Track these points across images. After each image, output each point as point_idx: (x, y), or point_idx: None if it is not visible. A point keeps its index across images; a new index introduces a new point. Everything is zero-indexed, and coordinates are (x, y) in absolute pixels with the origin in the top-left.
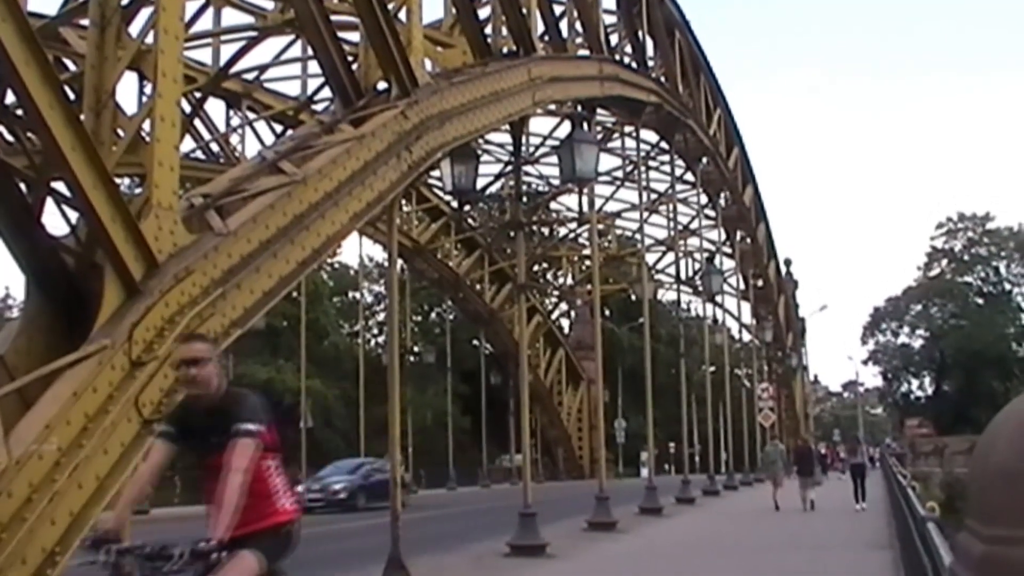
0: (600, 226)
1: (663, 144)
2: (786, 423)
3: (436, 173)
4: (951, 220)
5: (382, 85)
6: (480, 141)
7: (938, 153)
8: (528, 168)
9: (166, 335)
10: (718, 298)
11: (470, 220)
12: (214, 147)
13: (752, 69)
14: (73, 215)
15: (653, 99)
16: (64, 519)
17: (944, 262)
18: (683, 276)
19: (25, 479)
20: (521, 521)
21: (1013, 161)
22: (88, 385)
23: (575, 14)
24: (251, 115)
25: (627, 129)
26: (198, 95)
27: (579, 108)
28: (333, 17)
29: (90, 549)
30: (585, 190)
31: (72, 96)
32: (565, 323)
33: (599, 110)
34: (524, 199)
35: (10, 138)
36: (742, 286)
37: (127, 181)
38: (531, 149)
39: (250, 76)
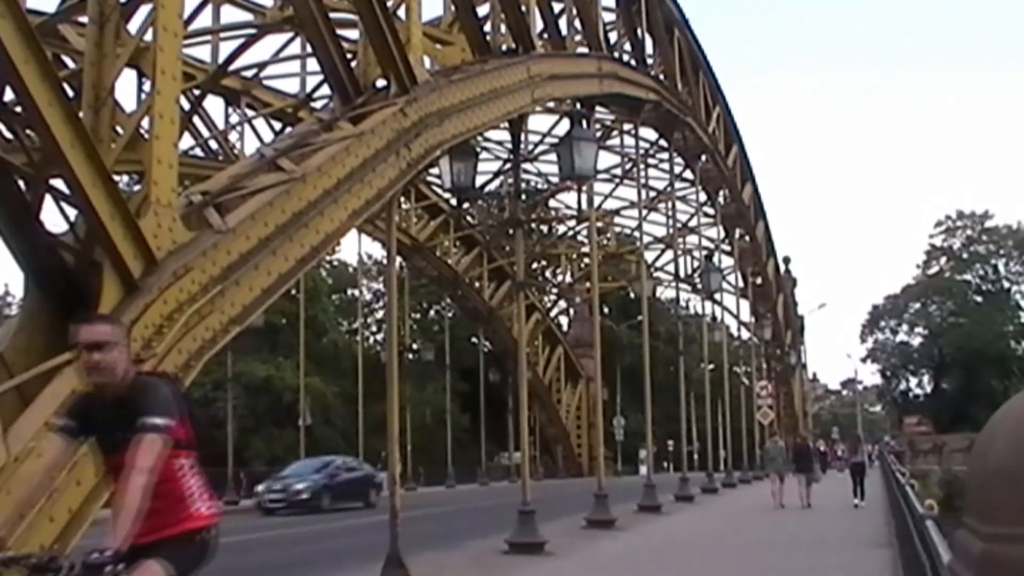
0: (599, 224)
1: (662, 142)
2: (785, 421)
3: (435, 170)
4: (950, 218)
5: (381, 83)
6: (479, 139)
7: (937, 151)
8: (527, 166)
9: (165, 332)
10: (717, 296)
11: (469, 218)
12: (213, 144)
13: (751, 67)
14: (72, 212)
15: (652, 97)
16: (63, 516)
17: (943, 260)
18: (682, 274)
19: (24, 476)
20: (520, 519)
21: (1012, 159)
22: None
23: (574, 12)
24: (250, 112)
25: (626, 127)
26: (197, 92)
27: (578, 106)
28: (332, 14)
29: None
30: (584, 188)
31: (71, 93)
32: (564, 321)
33: (598, 108)
34: (523, 197)
35: (9, 135)
36: (741, 284)
37: (126, 178)
38: (530, 147)
39: (249, 73)
